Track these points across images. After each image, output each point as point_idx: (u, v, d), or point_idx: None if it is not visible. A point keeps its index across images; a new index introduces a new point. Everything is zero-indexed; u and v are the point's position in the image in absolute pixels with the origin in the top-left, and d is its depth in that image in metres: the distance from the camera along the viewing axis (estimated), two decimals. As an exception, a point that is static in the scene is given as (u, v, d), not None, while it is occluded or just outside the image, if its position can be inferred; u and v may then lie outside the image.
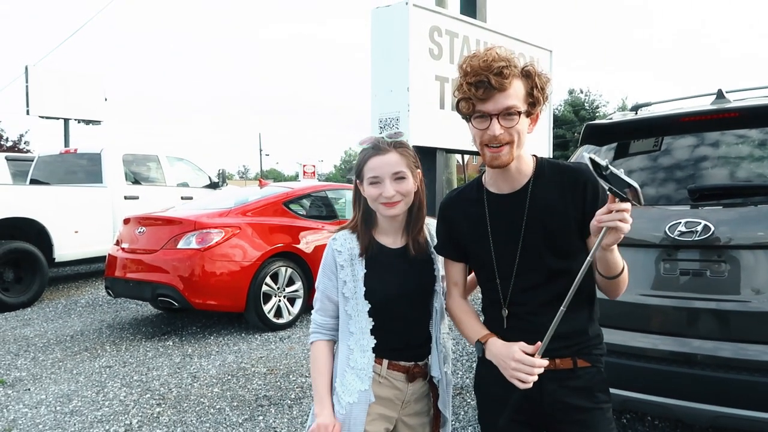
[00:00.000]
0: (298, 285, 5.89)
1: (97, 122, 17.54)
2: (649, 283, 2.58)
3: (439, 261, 1.80)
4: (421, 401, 1.80)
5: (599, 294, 1.64)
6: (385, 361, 1.74)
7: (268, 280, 5.62)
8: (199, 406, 3.85)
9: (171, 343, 5.37)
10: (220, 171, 10.29)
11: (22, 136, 25.70)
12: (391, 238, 1.79)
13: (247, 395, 4.02)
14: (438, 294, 1.78)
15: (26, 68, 15.62)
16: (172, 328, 5.94)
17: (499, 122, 1.48)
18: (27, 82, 15.51)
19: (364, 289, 1.72)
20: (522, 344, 1.50)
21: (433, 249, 1.80)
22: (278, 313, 5.74)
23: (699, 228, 2.43)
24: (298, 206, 6.46)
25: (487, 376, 1.69)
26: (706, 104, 2.83)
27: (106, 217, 8.04)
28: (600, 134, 3.04)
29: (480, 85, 1.46)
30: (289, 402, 3.88)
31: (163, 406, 3.88)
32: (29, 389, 4.32)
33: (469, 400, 3.74)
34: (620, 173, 1.26)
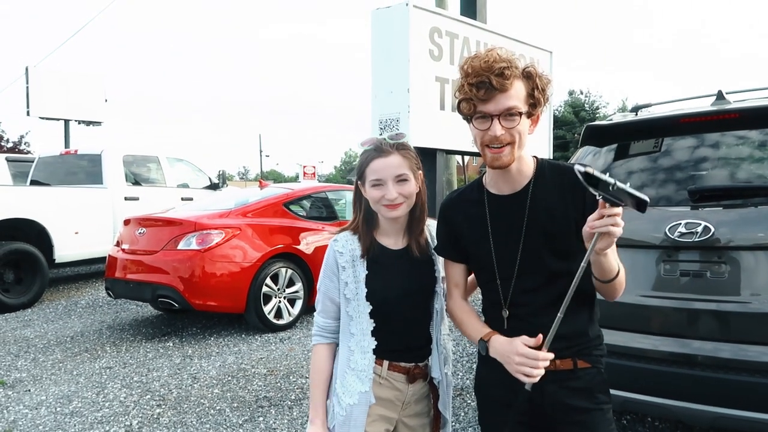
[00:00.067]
0: (299, 286, 5.89)
1: (97, 123, 17.56)
2: (650, 284, 2.58)
3: (440, 262, 1.80)
4: (422, 402, 1.80)
5: (599, 295, 1.64)
6: (386, 362, 1.75)
7: (268, 281, 5.62)
8: (199, 407, 3.85)
9: (171, 344, 5.37)
10: (220, 172, 10.30)
11: (22, 137, 25.66)
12: (392, 240, 1.79)
13: (247, 396, 4.02)
14: (439, 295, 1.78)
15: (26, 69, 15.64)
16: (173, 329, 5.95)
17: (500, 123, 1.49)
18: (27, 83, 15.53)
19: (365, 290, 1.72)
20: (524, 338, 1.50)
21: (433, 250, 1.80)
22: (278, 314, 5.74)
23: (699, 229, 2.43)
24: (299, 207, 6.47)
25: (488, 377, 1.70)
26: (706, 105, 2.83)
27: (107, 218, 8.04)
28: (600, 135, 3.04)
29: (481, 86, 1.47)
30: (290, 403, 3.88)
31: (164, 407, 3.88)
32: (29, 390, 4.32)
33: (469, 401, 3.74)
34: (627, 187, 1.26)
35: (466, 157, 10.11)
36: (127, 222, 6.12)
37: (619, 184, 1.25)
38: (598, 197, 1.30)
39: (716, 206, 2.53)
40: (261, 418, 3.66)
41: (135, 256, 5.74)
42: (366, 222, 1.78)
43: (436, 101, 7.25)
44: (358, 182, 1.77)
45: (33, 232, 7.24)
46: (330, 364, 1.80)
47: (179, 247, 5.46)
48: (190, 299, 5.31)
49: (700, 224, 2.44)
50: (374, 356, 1.73)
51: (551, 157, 8.89)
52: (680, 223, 2.49)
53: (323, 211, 6.77)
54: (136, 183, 8.77)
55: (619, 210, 1.30)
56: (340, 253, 1.76)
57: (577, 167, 1.28)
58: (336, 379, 1.76)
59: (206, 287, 5.35)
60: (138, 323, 6.28)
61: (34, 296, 7.21)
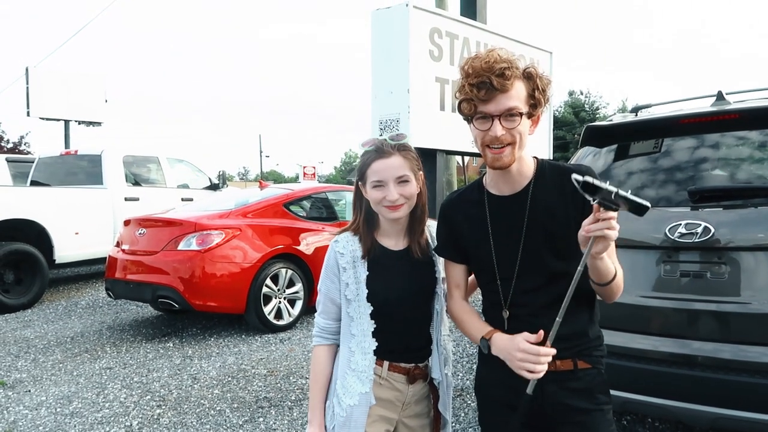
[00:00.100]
0: (299, 286, 5.89)
1: (97, 123, 17.56)
2: (650, 285, 2.58)
3: (440, 263, 1.80)
4: (422, 403, 1.81)
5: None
6: (386, 363, 1.75)
7: (268, 281, 5.62)
8: (199, 408, 3.85)
9: (171, 345, 5.37)
10: (221, 172, 10.31)
11: (22, 137, 25.67)
12: (393, 240, 1.79)
13: (247, 397, 4.02)
14: (439, 296, 1.78)
15: (27, 69, 15.64)
16: (173, 330, 5.95)
17: (500, 123, 1.49)
18: (27, 83, 15.54)
19: (366, 291, 1.72)
20: (526, 334, 1.49)
21: (433, 251, 1.80)
22: (278, 314, 5.74)
23: (699, 230, 2.43)
24: (299, 208, 6.47)
25: (488, 377, 1.70)
26: (706, 106, 2.83)
27: (107, 219, 8.04)
28: (600, 136, 3.04)
29: (482, 86, 1.47)
30: (290, 404, 3.88)
31: (164, 407, 3.88)
32: (29, 391, 4.32)
33: (469, 402, 3.74)
34: (629, 195, 1.26)
35: (466, 158, 10.11)
36: (127, 222, 6.12)
37: (621, 192, 1.25)
38: (592, 202, 1.30)
39: (716, 207, 2.53)
40: (261, 419, 3.66)
41: (135, 257, 5.74)
42: (367, 223, 1.78)
43: (436, 102, 7.25)
44: (359, 183, 1.77)
45: (33, 233, 7.24)
46: (330, 366, 1.80)
47: (179, 248, 5.46)
48: (190, 300, 5.32)
49: (700, 225, 2.44)
50: (375, 357, 1.73)
51: (551, 158, 8.90)
52: (680, 224, 2.49)
53: (323, 211, 6.78)
54: (137, 183, 8.77)
55: (614, 214, 1.30)
56: (341, 254, 1.76)
57: (574, 176, 1.29)
58: (336, 380, 1.76)
59: (206, 288, 5.35)
60: (138, 324, 6.28)
61: (34, 297, 7.21)
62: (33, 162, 9.52)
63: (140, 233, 5.83)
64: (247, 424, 3.60)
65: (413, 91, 6.83)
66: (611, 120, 3.21)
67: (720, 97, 2.80)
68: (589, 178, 1.26)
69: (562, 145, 33.45)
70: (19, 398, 4.17)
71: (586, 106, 39.10)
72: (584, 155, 3.02)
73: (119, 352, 5.20)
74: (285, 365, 4.63)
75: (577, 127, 34.15)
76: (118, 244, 6.17)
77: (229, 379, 4.37)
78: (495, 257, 1.63)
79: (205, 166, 10.37)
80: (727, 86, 2.84)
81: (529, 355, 1.46)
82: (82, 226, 7.70)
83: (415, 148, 1.81)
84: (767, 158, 2.62)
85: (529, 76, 1.52)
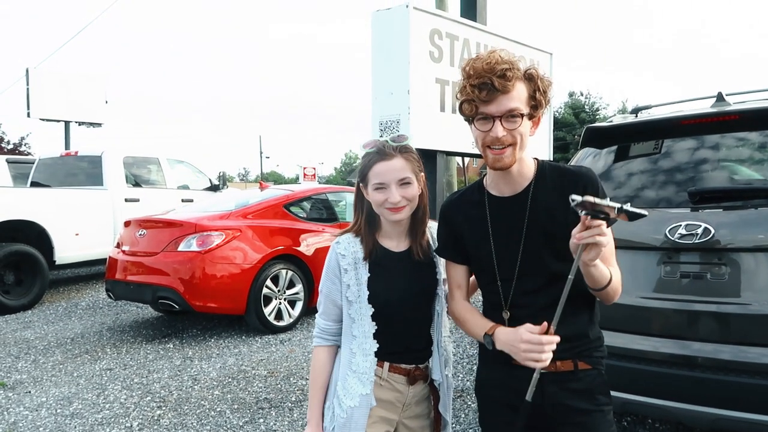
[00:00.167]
0: (299, 287, 5.89)
1: (98, 125, 17.55)
2: (650, 286, 2.58)
3: (441, 264, 1.80)
4: (422, 404, 1.81)
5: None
6: (387, 364, 1.75)
7: (268, 282, 5.62)
8: (199, 409, 3.85)
9: (171, 346, 5.37)
10: (221, 173, 10.31)
11: (23, 138, 25.65)
12: (394, 242, 1.79)
13: (247, 398, 4.02)
14: (440, 297, 1.78)
15: (27, 70, 15.63)
16: (173, 331, 5.95)
17: (501, 124, 1.49)
18: (28, 84, 15.51)
19: (367, 292, 1.72)
20: (528, 325, 1.49)
21: (434, 252, 1.80)
22: (279, 315, 5.74)
23: (699, 231, 2.44)
24: (299, 209, 6.47)
25: (488, 378, 1.70)
26: (706, 107, 2.84)
27: (107, 220, 8.04)
28: (600, 137, 3.04)
29: (483, 87, 1.47)
30: (290, 404, 3.88)
31: (164, 408, 3.88)
32: (30, 392, 4.32)
33: (469, 403, 3.74)
34: (628, 207, 1.26)
35: (467, 159, 10.11)
36: (127, 223, 6.12)
37: (626, 207, 1.26)
38: (580, 213, 1.30)
39: (716, 208, 2.53)
40: (261, 420, 3.66)
41: (135, 258, 5.75)
42: (368, 224, 1.78)
43: (436, 103, 7.25)
44: (360, 184, 1.77)
45: (33, 234, 7.25)
46: (330, 367, 1.80)
47: (180, 249, 5.46)
48: (191, 301, 5.32)
49: (701, 226, 2.44)
50: (376, 359, 1.73)
51: (551, 159, 8.89)
52: (680, 225, 2.49)
53: (323, 212, 6.78)
54: (137, 184, 8.77)
55: (602, 222, 1.31)
56: (343, 256, 1.76)
57: (572, 197, 1.29)
58: (337, 381, 1.76)
59: (206, 289, 5.36)
60: (138, 325, 6.28)
61: (34, 298, 7.20)
62: (33, 163, 9.52)
63: (140, 234, 5.83)
64: (248, 425, 3.60)
65: (413, 92, 6.83)
66: (611, 121, 3.21)
67: (720, 98, 2.80)
68: (590, 198, 1.27)
69: (562, 146, 33.46)
70: (20, 399, 4.17)
71: (586, 107, 39.09)
72: (584, 156, 3.02)
73: (119, 353, 5.20)
74: (285, 366, 4.63)
75: (577, 128, 34.15)
76: (118, 245, 6.17)
77: (230, 380, 4.37)
78: (495, 258, 1.63)
79: (205, 167, 10.38)
80: (727, 86, 2.84)
81: (533, 345, 1.45)
82: (82, 227, 7.70)
83: (416, 149, 1.81)
84: (767, 159, 2.63)
85: (530, 78, 1.53)
